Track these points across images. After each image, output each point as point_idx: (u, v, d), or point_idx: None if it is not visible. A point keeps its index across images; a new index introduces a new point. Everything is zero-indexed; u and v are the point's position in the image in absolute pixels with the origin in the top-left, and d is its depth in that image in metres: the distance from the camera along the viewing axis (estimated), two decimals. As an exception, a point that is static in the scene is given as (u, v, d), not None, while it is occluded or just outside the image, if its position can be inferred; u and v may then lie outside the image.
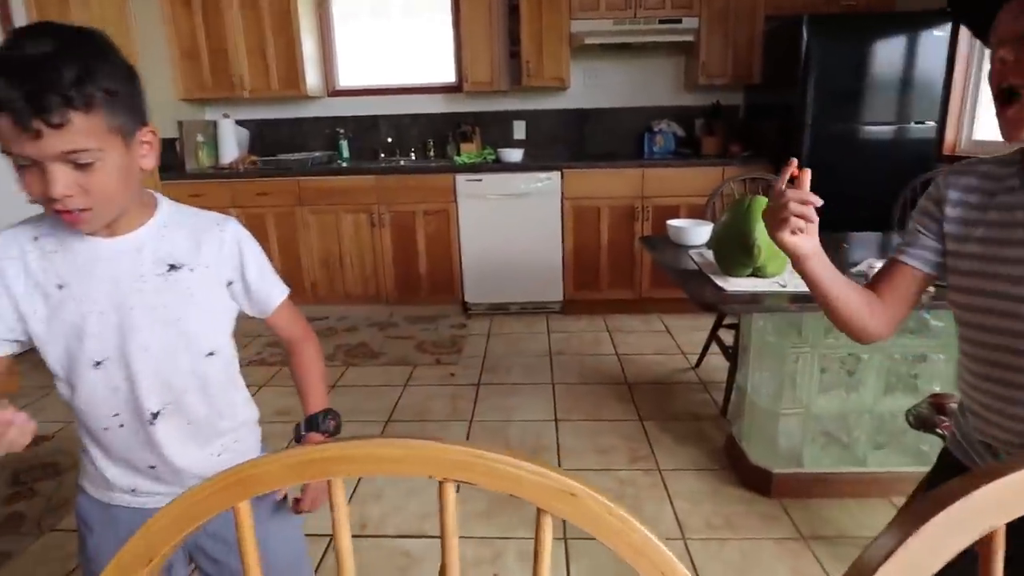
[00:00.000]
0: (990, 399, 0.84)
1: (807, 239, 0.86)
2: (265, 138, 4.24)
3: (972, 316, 0.85)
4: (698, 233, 2.13)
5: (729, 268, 1.70)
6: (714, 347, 2.87)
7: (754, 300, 1.60)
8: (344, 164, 4.03)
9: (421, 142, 4.20)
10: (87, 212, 0.74)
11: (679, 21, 3.61)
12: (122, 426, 0.86)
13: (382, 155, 4.19)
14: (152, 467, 0.89)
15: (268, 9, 3.75)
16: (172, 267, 0.85)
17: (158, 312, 0.84)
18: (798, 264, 0.89)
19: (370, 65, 4.22)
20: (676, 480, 2.09)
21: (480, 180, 3.62)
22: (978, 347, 0.84)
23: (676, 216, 3.51)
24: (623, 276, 3.74)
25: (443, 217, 3.71)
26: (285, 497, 0.99)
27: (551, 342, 3.42)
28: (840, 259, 1.92)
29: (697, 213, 3.39)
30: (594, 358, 3.19)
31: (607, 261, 3.72)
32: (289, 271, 3.74)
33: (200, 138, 3.98)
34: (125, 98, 0.74)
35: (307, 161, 3.86)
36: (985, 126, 3.21)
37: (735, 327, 2.60)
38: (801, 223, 0.84)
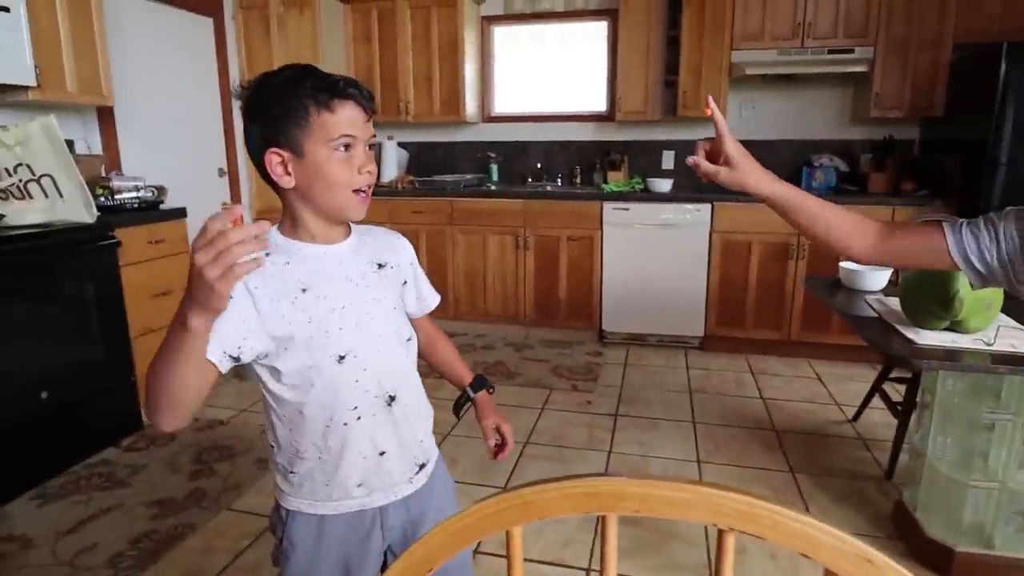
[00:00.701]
0: None
1: (741, 172, 0.92)
2: (422, 160, 4.54)
3: None
4: (875, 278, 1.99)
5: (920, 319, 1.57)
6: (875, 401, 2.64)
7: (950, 357, 1.47)
8: (493, 187, 4.20)
9: (568, 168, 4.29)
10: (369, 195, 0.92)
11: (851, 51, 3.42)
12: (359, 418, 0.93)
13: (529, 180, 4.33)
14: (383, 453, 0.96)
15: (437, 39, 4.04)
16: (380, 266, 0.99)
17: (380, 303, 0.96)
18: (755, 195, 0.94)
19: (525, 92, 4.39)
20: None
21: (627, 209, 3.63)
22: None
23: (834, 257, 3.30)
24: (771, 316, 3.56)
25: (587, 243, 3.75)
26: None
27: (690, 378, 3.32)
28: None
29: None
30: (737, 399, 3.05)
31: (754, 299, 3.56)
32: (435, 285, 3.94)
33: (366, 158, 4.34)
34: None
35: (460, 183, 4.08)
36: None
37: (906, 381, 2.39)
38: (713, 168, 0.93)
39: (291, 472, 0.94)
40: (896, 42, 3.40)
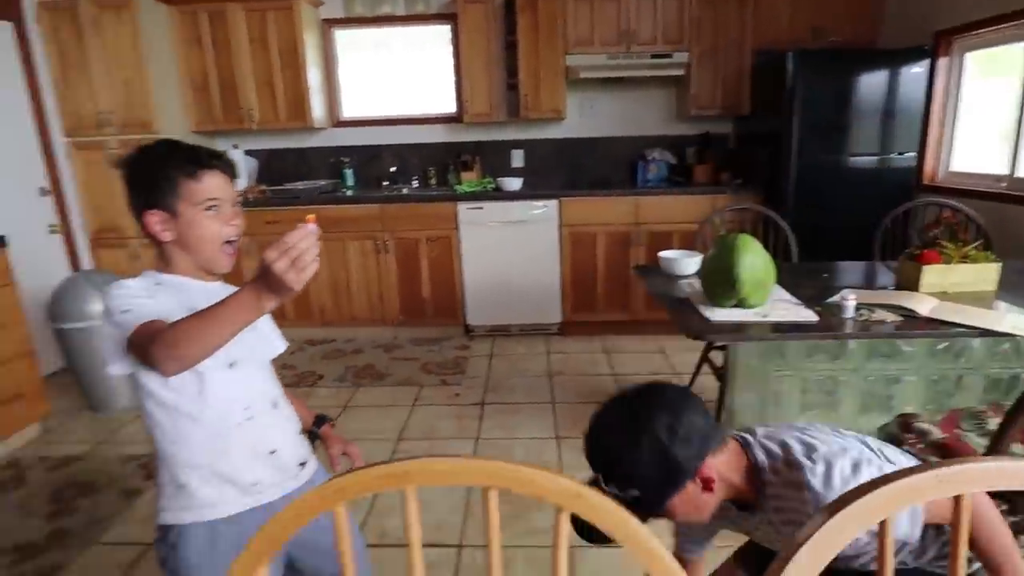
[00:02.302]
0: None
1: None
2: (272, 168, 4.40)
3: None
4: (687, 264, 2.27)
5: (715, 299, 1.84)
6: (705, 368, 3.00)
7: (738, 329, 1.75)
8: (349, 192, 4.18)
9: (423, 170, 4.36)
10: (236, 248, 1.08)
11: (670, 56, 3.80)
12: (251, 418, 1.06)
13: (385, 183, 4.35)
14: (274, 451, 1.09)
15: (276, 45, 3.92)
16: None
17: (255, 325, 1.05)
18: None
19: (373, 96, 4.39)
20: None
21: (481, 208, 3.78)
22: None
23: (669, 241, 3.67)
24: (619, 299, 3.89)
25: (445, 243, 3.86)
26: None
27: (551, 363, 3.56)
28: (819, 288, 2.07)
29: (689, 239, 3.54)
30: (592, 378, 3.32)
31: (603, 285, 3.87)
32: (298, 296, 3.87)
33: (210, 167, 4.13)
34: None
35: (314, 190, 4.01)
36: (960, 157, 3.38)
37: (724, 348, 2.74)
38: None
39: (181, 485, 1.03)
40: (706, 48, 3.83)
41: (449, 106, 4.32)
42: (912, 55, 3.35)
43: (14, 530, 2.14)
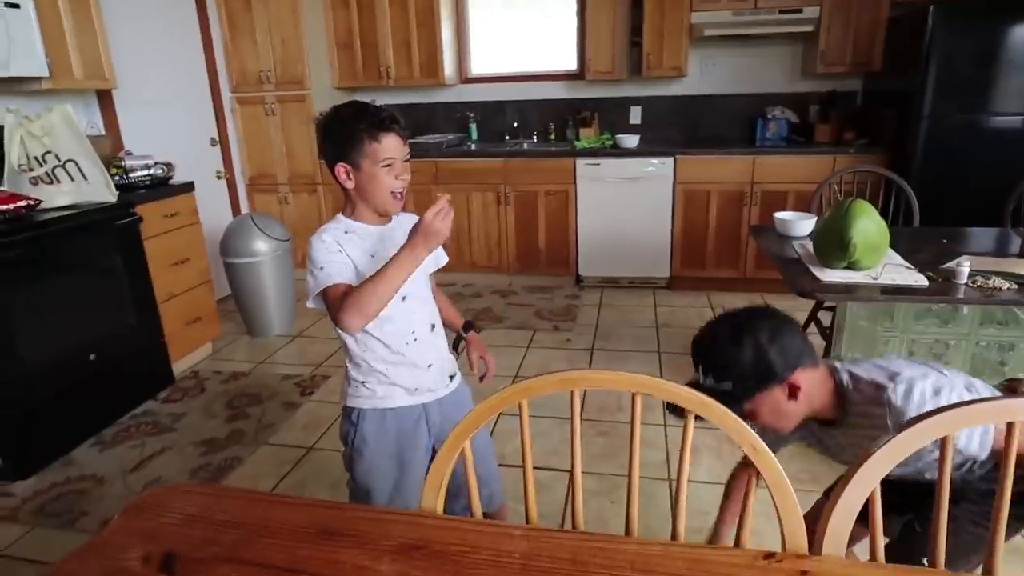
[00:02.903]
0: None
1: None
2: (405, 122, 4.74)
3: None
4: (802, 226, 2.36)
5: (827, 261, 1.95)
6: (812, 328, 3.07)
7: (847, 290, 1.86)
8: (473, 146, 4.47)
9: (543, 126, 4.56)
10: (402, 196, 1.31)
11: (799, 11, 3.69)
12: (416, 340, 1.36)
13: (507, 138, 4.59)
14: (430, 365, 1.38)
15: (414, 6, 4.20)
16: None
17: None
18: None
19: (498, 53, 4.60)
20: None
21: (598, 164, 3.94)
22: None
23: (784, 202, 3.68)
24: (728, 257, 3.96)
25: (562, 197, 4.08)
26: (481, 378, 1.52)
27: (657, 315, 3.74)
28: (936, 253, 2.11)
29: (805, 199, 3.52)
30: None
31: (714, 242, 3.95)
32: (424, 242, 4.26)
33: (350, 122, 4.55)
34: None
35: (442, 143, 4.33)
36: None
37: (833, 309, 2.81)
38: None
39: (363, 382, 1.35)
40: (839, 2, 3.68)
41: (571, 63, 4.45)
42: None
43: (201, 428, 2.66)
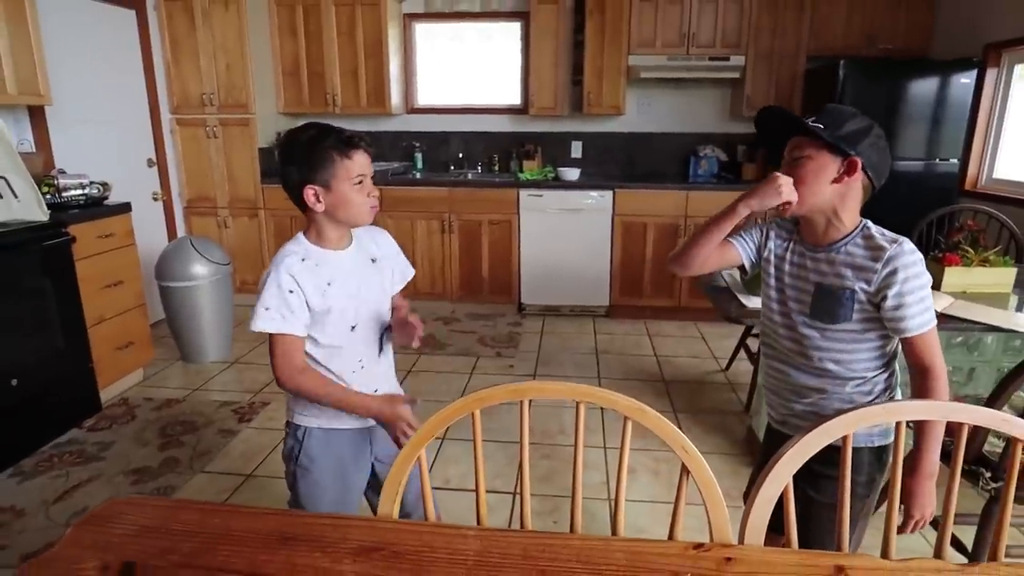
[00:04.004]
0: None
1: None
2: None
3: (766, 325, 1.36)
4: (731, 256, 2.55)
5: (750, 288, 2.12)
6: (741, 354, 3.27)
7: (771, 315, 2.02)
8: (419, 175, 4.54)
9: (488, 157, 4.69)
10: (376, 208, 1.31)
11: (727, 59, 4.01)
12: (363, 367, 1.38)
13: (452, 168, 4.70)
14: (376, 390, 1.40)
15: (362, 37, 4.28)
16: (373, 260, 1.41)
17: (373, 288, 1.38)
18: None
19: (444, 85, 4.73)
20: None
21: (541, 196, 4.09)
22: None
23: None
24: (664, 286, 4.16)
25: (506, 227, 4.19)
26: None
27: (597, 342, 3.87)
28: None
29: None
30: (636, 358, 3.62)
31: (650, 272, 4.15)
32: (369, 268, 4.27)
33: (294, 147, 4.55)
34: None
35: (387, 171, 4.38)
36: (1005, 165, 3.51)
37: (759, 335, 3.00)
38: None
39: (312, 402, 1.34)
40: (763, 52, 4.02)
41: (515, 98, 4.63)
42: (961, 65, 3.49)
43: (132, 456, 2.56)
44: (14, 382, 2.48)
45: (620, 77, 4.13)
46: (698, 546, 0.87)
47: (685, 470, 0.96)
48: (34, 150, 3.18)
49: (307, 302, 1.26)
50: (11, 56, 2.75)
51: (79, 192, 2.97)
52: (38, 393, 2.59)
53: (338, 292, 1.30)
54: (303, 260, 1.28)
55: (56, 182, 2.91)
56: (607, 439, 2.68)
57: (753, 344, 3.15)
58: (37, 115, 3.22)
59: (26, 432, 2.56)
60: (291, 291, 1.24)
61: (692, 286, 4.09)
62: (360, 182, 1.25)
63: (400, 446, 1.21)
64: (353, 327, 1.34)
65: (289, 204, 1.31)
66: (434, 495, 1.63)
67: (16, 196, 2.58)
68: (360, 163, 1.25)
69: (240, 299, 3.98)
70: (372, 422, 1.39)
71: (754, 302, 2.07)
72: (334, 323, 1.31)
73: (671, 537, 0.96)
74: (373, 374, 1.40)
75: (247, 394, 3.14)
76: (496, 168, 4.67)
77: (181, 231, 4.46)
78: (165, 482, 2.38)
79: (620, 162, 4.60)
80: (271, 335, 1.25)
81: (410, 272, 1.53)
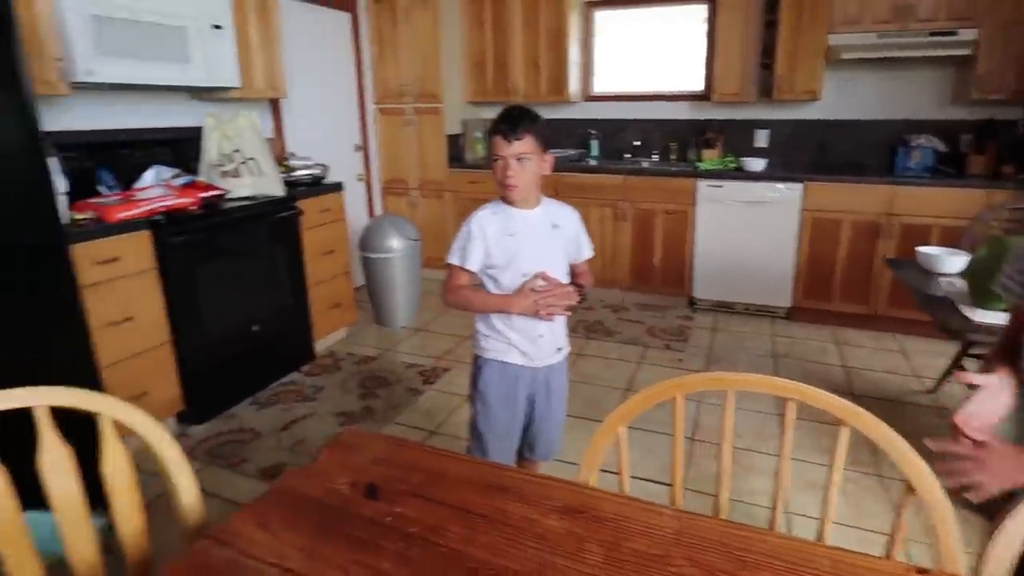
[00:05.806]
0: None
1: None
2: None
3: None
4: (951, 262, 2.25)
5: (981, 300, 1.87)
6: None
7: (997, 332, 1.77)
8: (593, 162, 4.58)
9: (665, 145, 4.59)
10: (516, 188, 1.49)
11: (954, 33, 3.50)
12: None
13: (627, 155, 4.67)
14: (541, 336, 1.60)
15: (544, 27, 4.40)
16: (555, 226, 1.61)
17: (551, 249, 1.60)
18: None
19: (623, 72, 4.69)
20: (898, 488, 2.28)
21: (721, 186, 3.93)
22: None
23: (926, 236, 3.49)
24: (858, 291, 3.79)
25: (681, 217, 4.09)
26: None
27: (775, 344, 3.65)
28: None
29: (951, 236, 3.32)
30: (819, 365, 3.36)
31: (842, 274, 3.80)
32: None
33: (477, 134, 4.82)
34: (541, 135, 1.49)
35: (563, 159, 4.47)
36: None
37: (981, 357, 2.63)
38: None
39: (487, 336, 1.64)
40: (1002, 22, 3.45)
41: (697, 84, 4.46)
42: None
43: (338, 401, 2.95)
44: (255, 328, 2.96)
45: (818, 59, 3.79)
46: (923, 571, 0.81)
47: (910, 488, 0.90)
48: (273, 136, 3.72)
49: (487, 249, 1.54)
50: (261, 57, 3.24)
51: (305, 172, 3.43)
52: (271, 340, 3.08)
53: (518, 243, 1.54)
54: (493, 214, 1.57)
55: (289, 163, 3.38)
56: (791, 447, 2.53)
57: (971, 366, 2.75)
58: (275, 107, 3.76)
59: (262, 370, 3.07)
60: (474, 238, 1.54)
61: (894, 293, 3.67)
62: (496, 160, 1.48)
63: (547, 317, 1.51)
64: (524, 274, 1.54)
65: (472, 187, 1.59)
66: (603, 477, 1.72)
67: (263, 174, 3.04)
68: (497, 145, 1.47)
69: (427, 272, 4.33)
70: (536, 362, 1.62)
71: (980, 316, 1.83)
72: (512, 271, 1.55)
73: (888, 556, 0.90)
74: (538, 321, 1.57)
75: (430, 359, 3.43)
76: (673, 157, 4.56)
77: (378, 209, 4.95)
78: (365, 427, 2.70)
79: (811, 152, 4.25)
80: (448, 264, 1.59)
81: (587, 252, 1.69)
